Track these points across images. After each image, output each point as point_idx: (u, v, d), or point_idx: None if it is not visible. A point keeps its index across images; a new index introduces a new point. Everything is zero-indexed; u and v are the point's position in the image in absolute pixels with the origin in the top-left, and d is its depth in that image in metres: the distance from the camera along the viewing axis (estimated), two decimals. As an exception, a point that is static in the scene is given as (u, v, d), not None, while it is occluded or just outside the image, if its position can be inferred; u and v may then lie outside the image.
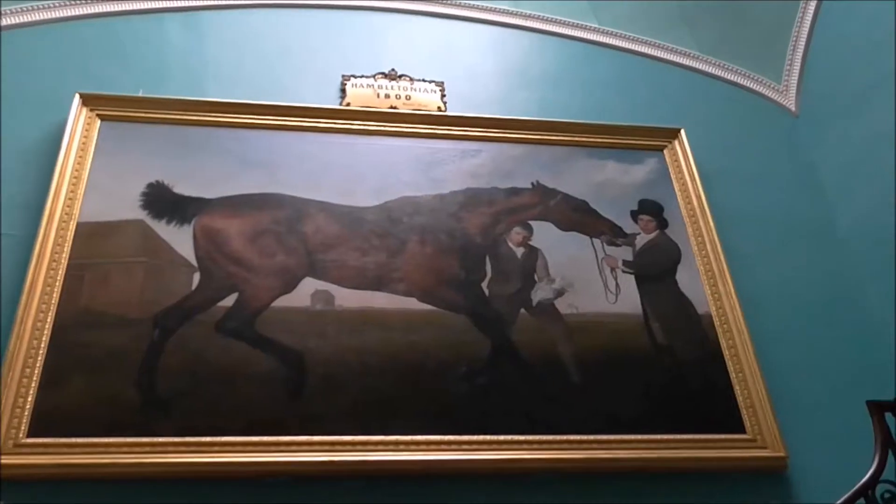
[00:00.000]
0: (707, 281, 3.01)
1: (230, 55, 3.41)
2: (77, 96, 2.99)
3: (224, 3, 3.57)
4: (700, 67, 3.86)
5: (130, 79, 3.19)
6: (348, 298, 2.74)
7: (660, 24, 3.92)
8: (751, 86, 3.83)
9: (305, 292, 2.72)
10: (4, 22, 3.23)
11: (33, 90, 3.05)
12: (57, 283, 2.56)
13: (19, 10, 3.28)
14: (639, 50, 3.88)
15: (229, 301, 2.66)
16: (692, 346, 2.84)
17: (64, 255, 2.63)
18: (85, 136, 2.92)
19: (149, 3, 3.47)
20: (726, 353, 2.83)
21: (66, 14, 3.34)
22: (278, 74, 3.37)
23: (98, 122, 2.99)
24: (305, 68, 3.43)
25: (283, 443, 2.39)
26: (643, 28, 3.91)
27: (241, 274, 2.71)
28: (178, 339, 2.55)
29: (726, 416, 2.68)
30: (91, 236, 2.70)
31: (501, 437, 2.51)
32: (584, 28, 3.89)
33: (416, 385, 2.58)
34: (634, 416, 2.63)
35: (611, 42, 3.88)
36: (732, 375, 2.77)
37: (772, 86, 3.80)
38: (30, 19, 3.30)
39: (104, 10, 3.39)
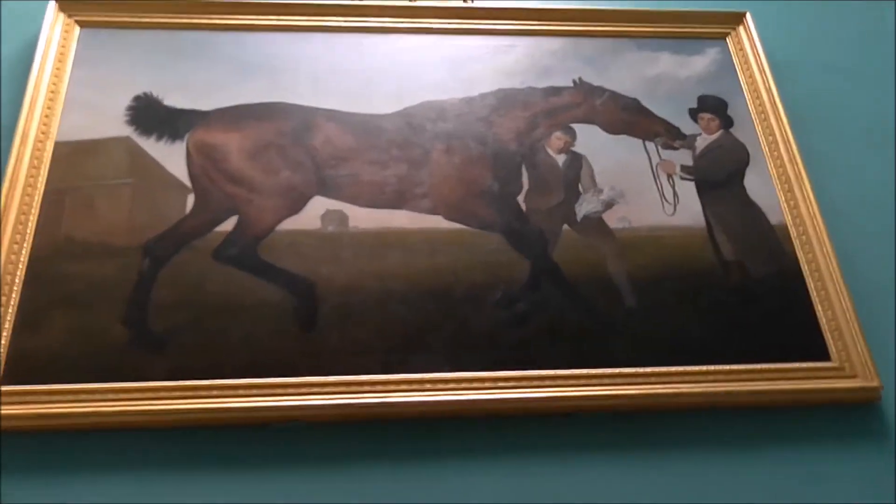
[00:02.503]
0: (781, 186, 2.58)
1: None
2: (52, 1, 2.62)
3: None
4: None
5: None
6: (364, 218, 2.39)
7: None
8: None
9: (315, 213, 2.38)
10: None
11: (6, -2, 2.70)
12: (33, 210, 2.25)
13: None
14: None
15: (229, 225, 2.32)
16: (765, 262, 2.44)
17: (40, 179, 2.31)
18: (62, 46, 2.57)
19: None
20: (805, 268, 2.42)
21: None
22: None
23: (77, 29, 2.63)
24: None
25: (291, 384, 2.08)
26: None
27: (241, 194, 2.37)
28: (172, 268, 2.23)
29: (808, 342, 2.29)
30: (71, 157, 2.38)
31: (545, 372, 2.16)
32: None
33: (444, 314, 2.24)
34: (699, 344, 2.26)
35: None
36: (814, 295, 2.37)
37: (850, -35, 3.28)
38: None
39: None
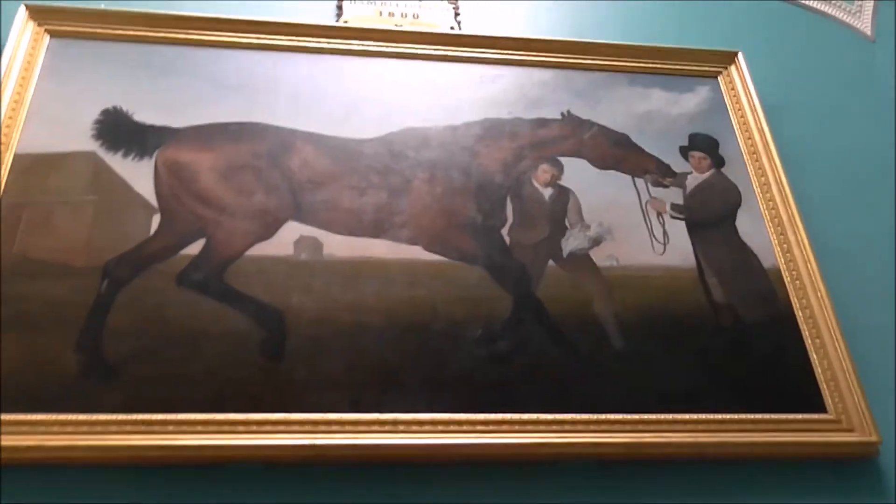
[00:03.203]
0: (773, 228, 2.49)
1: (209, -32, 2.90)
2: (23, 8, 2.51)
3: None
4: (756, -15, 3.31)
5: (91, -7, 2.70)
6: (340, 246, 2.26)
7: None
8: (817, 6, 3.28)
9: (288, 238, 2.25)
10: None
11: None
12: (-14, 225, 2.10)
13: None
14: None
15: (195, 248, 2.19)
16: (757, 306, 2.34)
17: (-4, 192, 2.17)
18: (30, 55, 2.45)
19: None
20: (799, 314, 2.32)
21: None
22: (264, -11, 2.87)
23: (47, 38, 2.52)
24: (296, -18, 2.93)
25: (254, 421, 1.93)
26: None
27: (210, 216, 2.24)
28: (132, 292, 2.08)
29: (802, 392, 2.18)
30: (31, 170, 2.24)
31: (526, 416, 2.02)
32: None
33: (420, 350, 2.11)
34: (688, 391, 2.14)
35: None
36: (808, 342, 2.27)
37: (842, 6, 3.26)
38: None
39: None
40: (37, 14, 2.52)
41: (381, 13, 2.87)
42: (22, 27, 2.47)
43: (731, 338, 2.27)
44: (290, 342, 2.07)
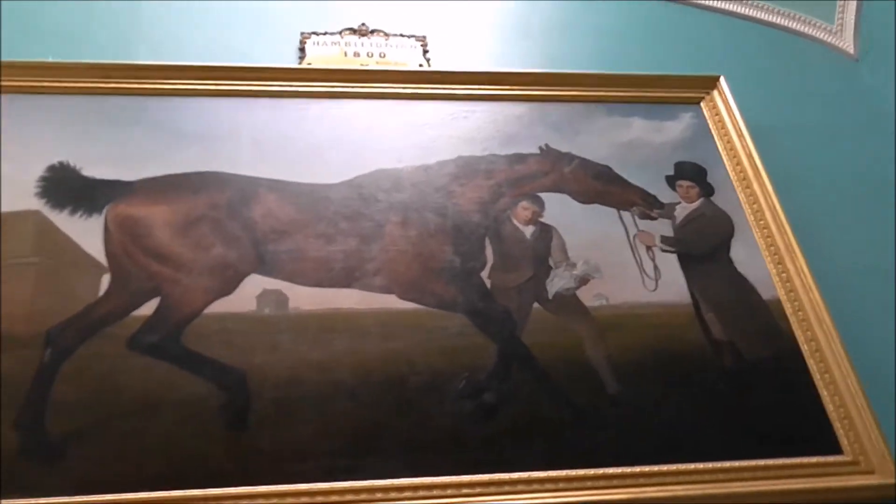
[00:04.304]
0: (771, 258, 2.34)
1: (167, 16, 2.79)
2: (-31, 64, 2.37)
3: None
4: (733, 9, 3.22)
5: (40, 46, 2.57)
6: (307, 299, 2.09)
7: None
8: (797, 27, 3.20)
9: (250, 293, 2.08)
10: None
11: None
12: (-82, 295, 1.93)
13: None
14: (661, -7, 3.24)
15: (149, 308, 2.01)
16: (760, 342, 2.18)
17: (-69, 259, 1.99)
18: (-25, 113, 2.30)
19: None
20: (805, 348, 2.16)
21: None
22: (224, 36, 2.78)
23: (-4, 94, 2.37)
24: (256, 28, 2.84)
25: (217, 497, 1.74)
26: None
27: (165, 273, 2.07)
28: (78, 360, 1.91)
29: (815, 432, 2.01)
30: (-30, 234, 2.07)
31: (518, 476, 1.84)
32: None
33: (399, 408, 1.93)
34: (692, 438, 1.97)
35: (624, -16, 3.24)
36: (817, 378, 2.10)
37: (823, 27, 3.17)
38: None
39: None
40: (-15, 69, 2.37)
41: (345, 53, 2.76)
42: (-31, 84, 2.32)
43: (734, 378, 2.10)
44: (254, 407, 1.89)
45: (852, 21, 3.09)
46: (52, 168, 2.23)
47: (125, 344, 1.94)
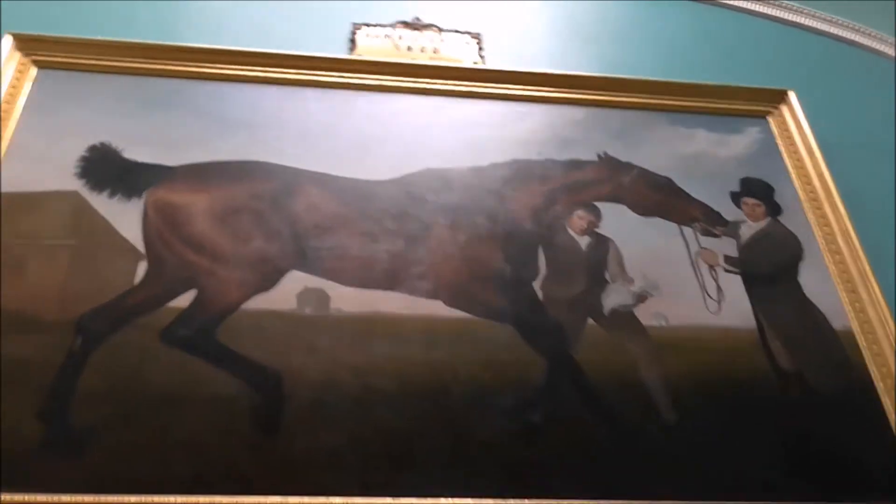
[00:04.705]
0: (843, 285, 2.20)
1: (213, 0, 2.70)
2: (8, 38, 2.30)
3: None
4: (802, 21, 3.09)
5: (86, 24, 2.49)
6: (349, 299, 1.98)
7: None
8: (867, 43, 3.07)
9: (290, 290, 1.97)
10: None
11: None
12: (-52, 271, 1.85)
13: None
14: (723, 1, 3.10)
15: (185, 300, 1.91)
16: (830, 374, 2.04)
17: (-37, 235, 1.92)
18: (13, 87, 2.23)
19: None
20: (880, 384, 2.01)
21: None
22: (272, 22, 2.67)
23: (34, 69, 2.30)
24: (307, 16, 2.73)
25: (244, 505, 1.62)
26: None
27: (203, 264, 1.97)
28: (109, 349, 1.81)
29: (886, 476, 1.85)
30: (5, 211, 2.00)
31: (563, 503, 1.70)
32: (656, -23, 3.13)
33: (439, 421, 1.81)
34: (753, 474, 1.83)
35: (689, -8, 3.12)
36: (892, 416, 1.95)
37: (892, 42, 3.00)
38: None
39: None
40: (24, 44, 2.31)
41: (397, 47, 2.65)
42: (7, 57, 2.26)
43: (801, 411, 1.96)
44: (287, 410, 1.78)
45: (926, 38, 2.93)
46: (92, 148, 2.15)
47: (157, 335, 1.84)
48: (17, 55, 2.29)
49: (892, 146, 2.68)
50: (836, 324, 2.13)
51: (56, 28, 2.41)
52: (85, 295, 1.89)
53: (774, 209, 2.37)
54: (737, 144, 2.52)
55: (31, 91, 2.26)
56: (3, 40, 2.28)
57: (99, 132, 2.19)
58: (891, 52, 3.03)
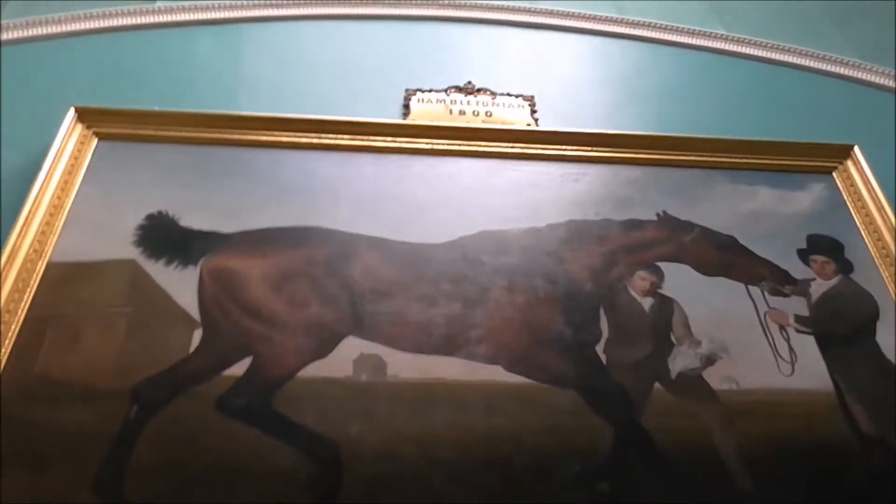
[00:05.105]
0: (923, 345, 2.08)
1: (269, 69, 2.77)
2: (72, 110, 2.35)
3: (264, 14, 2.95)
4: (862, 77, 3.03)
5: (144, 96, 2.55)
6: (407, 366, 1.93)
7: (802, 28, 3.15)
8: (930, 96, 2.95)
9: (347, 357, 1.93)
10: (4, 37, 2.67)
11: (28, 109, 2.45)
12: (7, 341, 1.85)
13: (23, 23, 2.72)
14: (780, 59, 3.09)
15: (240, 368, 1.88)
16: (917, 439, 1.91)
17: (23, 304, 1.94)
18: (75, 158, 2.28)
19: (173, 15, 2.87)
20: (970, 449, 1.88)
21: (72, 28, 2.77)
22: (326, 90, 2.70)
23: (95, 140, 2.35)
24: (360, 83, 2.75)
25: (302, 583, 1.55)
26: (782, 34, 3.13)
27: (258, 330, 1.95)
28: (165, 419, 1.78)
29: None
30: (63, 280, 2.00)
31: (639, 580, 1.60)
32: (708, 35, 3.13)
33: (503, 492, 1.74)
34: (841, 547, 1.69)
35: (743, 50, 3.10)
36: None
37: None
38: (35, 33, 2.73)
39: (118, 23, 2.81)
40: (86, 116, 2.36)
41: (451, 111, 2.65)
42: (69, 130, 2.31)
43: (887, 479, 1.83)
44: (345, 481, 1.72)
45: None
46: (150, 217, 2.16)
47: (214, 405, 1.80)
48: (80, 127, 2.34)
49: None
50: (920, 386, 2.01)
51: (116, 99, 2.47)
52: (140, 363, 1.87)
53: (846, 266, 2.27)
54: (801, 201, 2.44)
55: (91, 162, 2.29)
56: (67, 114, 2.33)
57: (156, 201, 2.20)
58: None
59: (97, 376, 1.83)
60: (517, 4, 3.15)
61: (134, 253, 2.08)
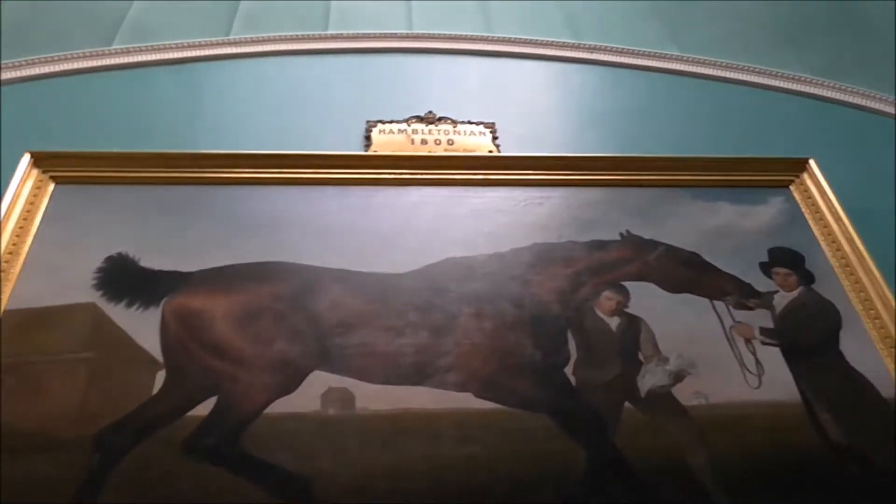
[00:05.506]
0: (887, 351, 2.11)
1: (229, 107, 2.78)
2: (27, 156, 2.32)
3: (222, 52, 2.96)
4: (817, 92, 3.10)
5: (104, 138, 2.54)
6: (376, 397, 1.91)
7: (756, 48, 3.23)
8: (884, 109, 3.02)
9: (314, 391, 1.91)
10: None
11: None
12: (-36, 393, 1.80)
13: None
14: (734, 77, 3.16)
15: (206, 408, 1.85)
16: (886, 446, 1.91)
17: (-20, 354, 1.88)
18: (31, 203, 2.25)
19: (130, 56, 2.87)
20: (940, 454, 1.89)
21: (28, 73, 2.75)
22: (287, 125, 2.70)
23: (51, 185, 2.31)
24: (321, 116, 2.77)
25: None
26: (737, 53, 3.20)
27: (224, 369, 1.92)
28: (129, 465, 1.74)
29: (964, 554, 1.72)
30: (21, 327, 1.96)
31: None
32: (664, 57, 3.18)
33: (480, 522, 1.70)
34: (820, 559, 1.69)
35: (699, 70, 3.16)
36: (959, 488, 1.82)
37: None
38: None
39: (75, 67, 2.79)
40: (42, 161, 2.34)
41: (412, 141, 2.66)
42: (24, 175, 2.28)
43: (864, 489, 1.83)
44: (318, 519, 1.68)
45: (942, 100, 2.92)
46: (109, 259, 2.13)
47: (180, 447, 1.77)
48: (35, 172, 2.31)
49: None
50: (885, 392, 2.03)
51: (76, 142, 2.44)
52: (103, 409, 1.83)
53: (807, 278, 2.30)
54: (762, 215, 2.47)
55: (48, 206, 2.26)
56: (21, 159, 2.30)
57: (116, 243, 2.18)
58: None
59: (59, 425, 1.79)
60: (475, 34, 3.19)
61: (94, 296, 2.05)
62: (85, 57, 2.84)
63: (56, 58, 2.79)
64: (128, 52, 2.88)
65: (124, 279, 2.09)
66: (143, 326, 1.99)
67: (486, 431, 1.86)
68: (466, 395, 1.94)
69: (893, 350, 2.10)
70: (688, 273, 2.28)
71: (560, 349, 2.05)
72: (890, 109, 3.02)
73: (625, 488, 1.80)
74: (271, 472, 1.75)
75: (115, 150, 2.40)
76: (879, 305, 2.19)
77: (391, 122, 2.73)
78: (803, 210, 2.50)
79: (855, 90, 3.07)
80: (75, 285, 2.06)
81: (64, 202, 2.28)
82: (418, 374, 1.96)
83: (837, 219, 2.42)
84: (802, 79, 3.11)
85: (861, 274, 2.27)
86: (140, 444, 1.77)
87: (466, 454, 1.81)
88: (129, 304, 2.03)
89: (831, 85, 3.08)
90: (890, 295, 2.20)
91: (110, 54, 2.85)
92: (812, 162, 2.60)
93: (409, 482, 1.75)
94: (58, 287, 2.05)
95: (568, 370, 2.02)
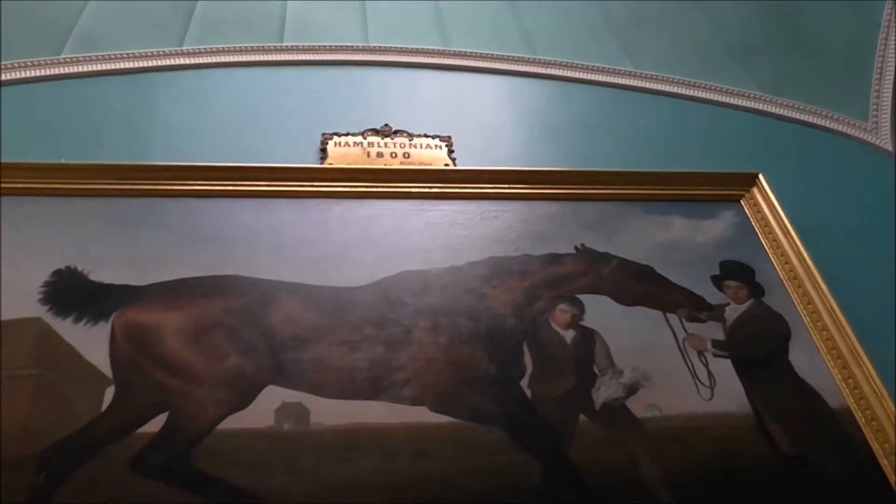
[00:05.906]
0: (833, 362, 2.16)
1: (182, 118, 2.73)
2: (-29, 167, 2.26)
3: (175, 62, 2.92)
4: (765, 108, 3.18)
5: (54, 148, 2.47)
6: (330, 412, 1.89)
7: (706, 64, 3.28)
8: (831, 125, 3.12)
9: (268, 407, 1.88)
10: None
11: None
12: None
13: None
14: (686, 93, 3.21)
15: (155, 425, 1.81)
16: (835, 456, 1.97)
17: (-83, 373, 1.82)
18: (-26, 215, 2.17)
19: (81, 66, 2.81)
20: (884, 461, 1.94)
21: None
22: (241, 136, 2.67)
23: (-3, 196, 2.25)
24: (276, 128, 2.73)
25: None
26: (688, 70, 3.26)
27: (175, 385, 1.89)
28: (76, 485, 1.70)
29: (908, 558, 1.76)
30: (-35, 344, 1.90)
31: None
32: (618, 73, 3.22)
33: (436, 537, 1.69)
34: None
35: (651, 86, 3.21)
36: (902, 495, 1.87)
37: (857, 125, 3.09)
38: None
39: (22, 76, 2.73)
40: (-13, 172, 2.26)
41: (368, 154, 2.65)
42: (-31, 187, 2.21)
43: (810, 497, 1.87)
44: (271, 538, 1.66)
45: (888, 118, 3.00)
46: (57, 272, 2.08)
47: (128, 466, 1.73)
48: (-22, 184, 2.25)
49: (861, 221, 2.68)
50: (833, 402, 2.07)
51: (24, 153, 2.38)
52: (49, 427, 1.78)
53: (757, 290, 2.35)
54: (713, 229, 2.52)
55: (-8, 219, 2.20)
56: (-35, 170, 2.24)
57: (65, 256, 2.13)
58: (858, 134, 3.07)
59: (3, 443, 1.73)
60: (431, 47, 3.19)
61: (40, 311, 2.00)
62: (33, 66, 2.77)
63: (3, 66, 2.72)
64: (77, 61, 2.82)
65: (72, 293, 2.04)
66: (91, 341, 1.95)
67: (441, 445, 1.86)
68: (422, 409, 1.93)
69: (840, 361, 2.14)
70: (641, 286, 2.31)
71: (516, 362, 2.06)
72: (835, 126, 3.09)
73: (579, 500, 1.80)
74: (223, 490, 1.72)
75: (64, 161, 2.35)
76: (827, 318, 2.24)
77: (347, 134, 2.72)
78: (753, 224, 2.55)
79: (801, 107, 3.14)
80: (21, 300, 2.01)
81: (11, 214, 2.22)
82: (373, 389, 1.95)
83: (786, 232, 2.48)
84: (751, 95, 3.17)
85: (808, 286, 2.33)
86: (87, 463, 1.73)
87: (421, 469, 1.80)
88: (78, 319, 1.99)
89: (779, 102, 3.16)
90: (836, 307, 2.25)
91: (60, 63, 2.79)
92: (761, 177, 2.66)
93: (365, 497, 1.74)
94: (3, 302, 1.99)
95: (524, 383, 2.02)
